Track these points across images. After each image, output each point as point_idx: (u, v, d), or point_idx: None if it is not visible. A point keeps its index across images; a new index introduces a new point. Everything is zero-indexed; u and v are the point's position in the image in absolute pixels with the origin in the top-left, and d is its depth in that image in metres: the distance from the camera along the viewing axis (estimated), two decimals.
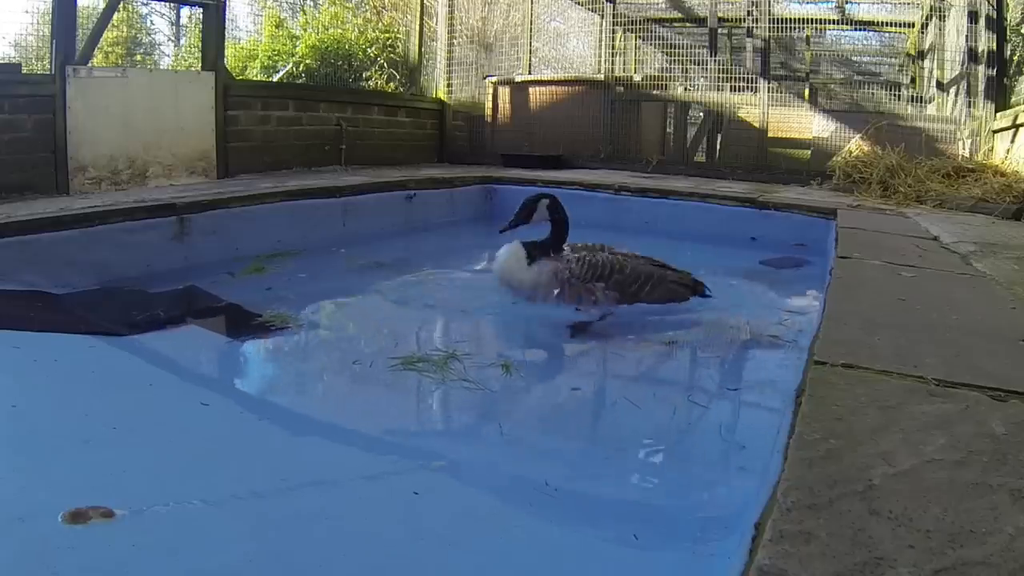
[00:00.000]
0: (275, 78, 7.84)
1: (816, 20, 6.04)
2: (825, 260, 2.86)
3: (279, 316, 2.33)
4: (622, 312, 2.46)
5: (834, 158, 5.13)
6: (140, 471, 1.30)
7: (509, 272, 2.43)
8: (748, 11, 5.79)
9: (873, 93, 7.01)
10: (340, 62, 7.99)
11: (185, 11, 12.51)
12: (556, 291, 2.37)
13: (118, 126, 3.81)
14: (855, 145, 5.18)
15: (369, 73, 8.03)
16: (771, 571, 0.62)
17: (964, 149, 4.96)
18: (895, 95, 6.16)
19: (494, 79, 6.55)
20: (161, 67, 11.19)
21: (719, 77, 5.81)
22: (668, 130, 7.40)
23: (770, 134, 5.60)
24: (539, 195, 2.51)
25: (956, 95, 5.43)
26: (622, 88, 6.15)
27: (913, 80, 7.15)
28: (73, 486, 1.21)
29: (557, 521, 1.26)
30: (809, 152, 5.56)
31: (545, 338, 2.30)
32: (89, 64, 3.76)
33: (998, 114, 4.76)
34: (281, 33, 8.42)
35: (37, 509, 1.13)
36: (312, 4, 10.41)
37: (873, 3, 6.34)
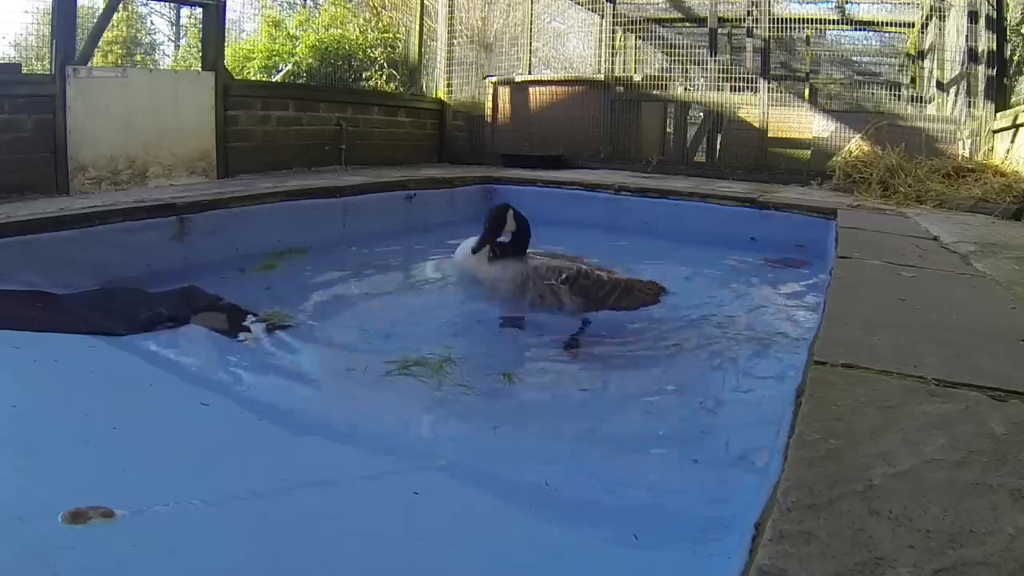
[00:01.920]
0: (275, 78, 7.84)
1: (816, 20, 6.04)
2: (825, 260, 2.86)
3: (280, 316, 2.33)
4: (618, 314, 2.45)
5: (834, 158, 5.13)
6: (140, 471, 1.30)
7: (472, 265, 2.28)
8: (748, 11, 5.79)
9: (873, 93, 7.02)
10: (340, 62, 8.00)
11: (185, 11, 12.53)
12: (517, 290, 2.25)
13: (118, 126, 3.81)
14: (855, 145, 5.19)
15: (369, 73, 8.03)
16: (771, 571, 0.62)
17: (964, 149, 4.97)
18: (895, 95, 6.17)
19: (494, 79, 6.55)
20: (161, 67, 11.20)
21: (719, 77, 5.81)
22: (668, 130, 7.41)
23: (770, 134, 5.60)
24: (503, 205, 2.33)
25: (956, 95, 5.43)
26: (622, 88, 6.15)
27: (913, 80, 7.16)
28: (73, 486, 1.21)
29: (557, 521, 1.26)
30: (809, 152, 5.56)
31: (541, 340, 2.29)
32: (89, 64, 3.76)
33: (998, 114, 4.76)
34: (280, 33, 8.42)
35: (37, 509, 1.13)
36: (312, 3, 10.42)
37: (873, 3, 6.35)
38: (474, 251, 2.26)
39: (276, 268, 3.03)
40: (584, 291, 2.29)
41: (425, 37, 6.68)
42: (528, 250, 2.36)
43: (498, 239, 2.29)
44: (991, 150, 4.75)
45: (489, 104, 6.53)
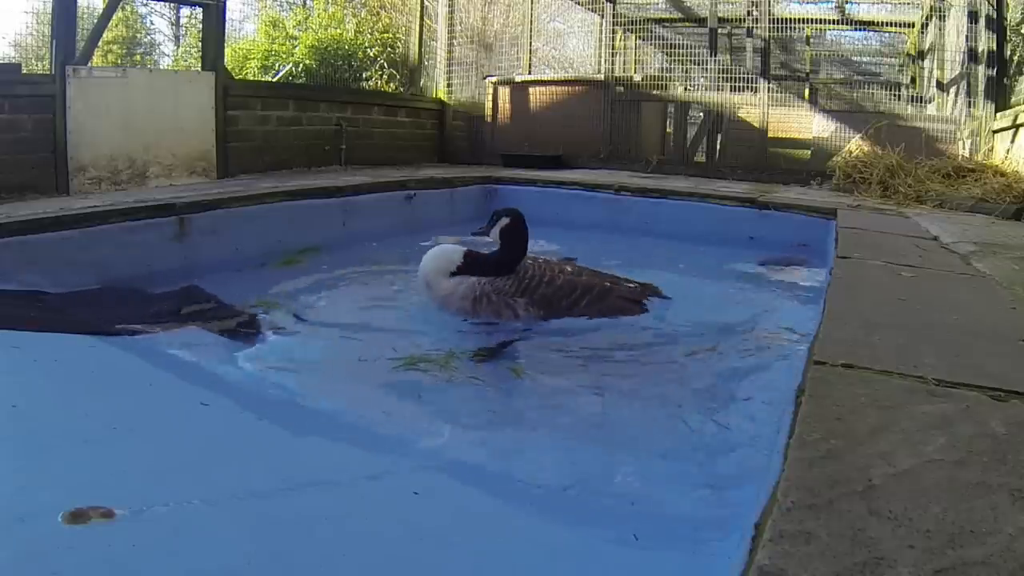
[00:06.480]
0: (275, 78, 7.84)
1: (816, 20, 6.05)
2: (825, 260, 2.86)
3: (279, 315, 2.33)
4: (622, 314, 2.45)
5: (834, 158, 5.13)
6: (140, 471, 1.30)
7: (430, 274, 2.32)
8: (748, 11, 5.80)
9: (873, 93, 7.01)
10: (340, 62, 7.99)
11: (185, 11, 12.53)
12: (469, 306, 2.27)
13: (118, 126, 3.82)
14: (855, 145, 5.19)
15: (369, 73, 8.03)
16: (771, 571, 0.62)
17: (964, 149, 4.97)
18: (895, 95, 6.16)
19: (494, 79, 6.55)
20: (161, 67, 11.20)
21: (719, 77, 5.81)
22: (668, 130, 7.41)
23: (770, 134, 5.60)
24: (503, 211, 2.33)
25: (956, 95, 5.43)
26: (622, 88, 6.15)
27: (913, 80, 7.16)
28: (73, 486, 1.21)
29: (557, 521, 1.26)
30: (809, 152, 5.56)
31: (541, 340, 2.29)
32: (89, 64, 3.76)
33: (998, 114, 4.76)
34: (279, 34, 8.42)
35: (37, 509, 1.13)
36: (310, 2, 10.41)
37: (873, 3, 6.35)
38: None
39: (298, 264, 3.03)
40: (544, 300, 2.26)
41: (425, 37, 6.68)
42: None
43: (478, 256, 2.33)
44: (991, 150, 4.75)
45: (489, 104, 6.53)
